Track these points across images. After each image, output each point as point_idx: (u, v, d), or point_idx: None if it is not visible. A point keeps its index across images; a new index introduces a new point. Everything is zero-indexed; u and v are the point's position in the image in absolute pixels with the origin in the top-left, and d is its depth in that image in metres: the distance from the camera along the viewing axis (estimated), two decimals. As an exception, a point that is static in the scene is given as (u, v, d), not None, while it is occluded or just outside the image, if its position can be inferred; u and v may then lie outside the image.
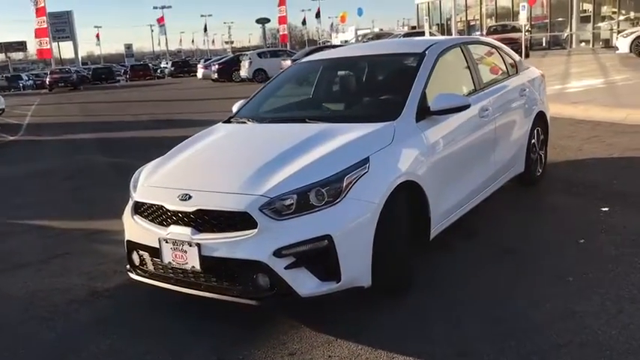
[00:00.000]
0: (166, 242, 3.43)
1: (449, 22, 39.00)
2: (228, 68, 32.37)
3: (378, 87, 4.68)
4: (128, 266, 3.89)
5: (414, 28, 50.18)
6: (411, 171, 3.65)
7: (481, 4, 36.17)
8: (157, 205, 3.54)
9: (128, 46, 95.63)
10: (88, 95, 30.83)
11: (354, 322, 3.37)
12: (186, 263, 3.38)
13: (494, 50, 5.52)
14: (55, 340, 3.54)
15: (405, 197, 3.59)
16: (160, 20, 67.62)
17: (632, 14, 29.03)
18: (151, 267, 3.70)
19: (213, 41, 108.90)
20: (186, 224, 3.39)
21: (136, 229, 3.70)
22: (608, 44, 28.63)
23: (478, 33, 32.38)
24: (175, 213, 3.44)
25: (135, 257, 3.78)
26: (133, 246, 3.75)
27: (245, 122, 4.60)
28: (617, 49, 20.48)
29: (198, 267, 3.33)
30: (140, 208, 3.71)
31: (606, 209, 4.94)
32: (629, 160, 6.57)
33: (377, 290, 3.42)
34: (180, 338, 3.41)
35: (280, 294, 3.22)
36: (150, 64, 58.89)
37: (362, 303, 3.51)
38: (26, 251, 5.24)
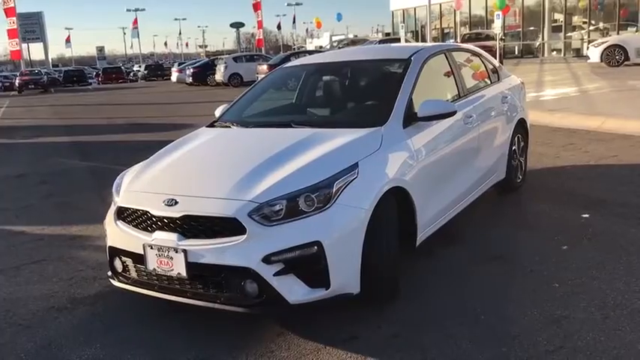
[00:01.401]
0: (151, 248, 3.36)
1: (423, 30, 39.39)
2: (203, 72, 32.18)
3: (364, 93, 4.67)
4: (110, 273, 3.81)
5: (387, 34, 50.55)
6: (399, 177, 3.64)
7: (455, 12, 36.56)
8: (142, 211, 3.47)
9: (100, 49, 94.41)
10: (60, 98, 30.28)
11: (343, 330, 3.34)
12: (172, 270, 3.31)
13: (477, 58, 5.57)
14: (34, 349, 3.43)
15: (393, 203, 3.57)
16: (134, 23, 66.87)
17: (601, 25, 29.68)
18: (134, 274, 3.62)
19: (187, 45, 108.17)
20: (172, 230, 3.33)
21: (118, 234, 3.61)
22: (579, 53, 29.19)
23: (452, 41, 32.76)
24: (161, 219, 3.37)
25: (117, 264, 3.70)
26: (116, 252, 3.66)
27: (229, 127, 4.55)
28: (588, 58, 20.90)
29: (184, 274, 3.27)
30: (123, 214, 3.62)
31: (587, 216, 5.01)
32: (607, 168, 6.68)
33: (365, 297, 3.39)
34: (166, 347, 3.34)
35: (269, 301, 3.17)
36: (122, 67, 58.19)
37: (350, 310, 3.48)
38: (0, 257, 5.09)
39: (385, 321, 3.41)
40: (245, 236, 3.13)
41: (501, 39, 28.67)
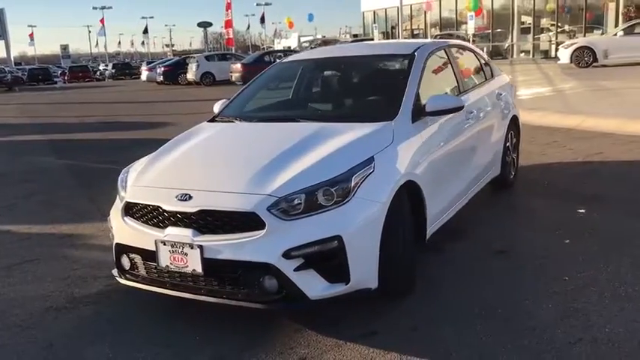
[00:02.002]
0: (164, 244, 3.26)
1: (393, 31, 39.61)
2: (175, 71, 31.76)
3: (369, 87, 4.64)
4: (115, 271, 3.70)
5: (355, 35, 50.66)
6: (411, 171, 3.62)
7: (425, 13, 36.89)
8: (153, 206, 3.37)
9: (64, 47, 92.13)
10: (26, 97, 29.50)
11: (361, 325, 3.30)
12: (186, 266, 3.22)
13: (473, 54, 5.59)
14: (34, 350, 3.30)
15: (406, 197, 3.55)
16: (101, 21, 65.60)
17: (567, 27, 30.30)
18: (143, 271, 3.52)
19: (153, 44, 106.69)
20: (186, 225, 3.24)
21: (126, 231, 3.50)
22: (547, 55, 29.72)
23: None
24: (174, 214, 3.27)
25: (124, 261, 3.58)
26: (123, 249, 3.55)
27: (232, 121, 4.47)
28: (558, 59, 21.30)
29: (199, 270, 3.18)
30: (131, 210, 3.51)
31: (583, 211, 5.07)
32: (595, 165, 6.79)
33: (383, 292, 3.36)
34: (179, 345, 3.25)
35: (288, 297, 3.12)
36: (89, 66, 57.09)
37: (366, 305, 3.44)
38: (-11, 257, 4.91)
39: (403, 315, 3.39)
40: (264, 231, 3.07)
41: (472, 40, 29.03)
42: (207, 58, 30.41)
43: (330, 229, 3.09)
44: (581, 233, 4.52)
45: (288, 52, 29.41)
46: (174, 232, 3.25)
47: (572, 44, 20.87)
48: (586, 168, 6.67)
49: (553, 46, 29.30)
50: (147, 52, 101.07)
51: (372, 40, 33.08)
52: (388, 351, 3.03)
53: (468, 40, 27.03)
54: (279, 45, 56.70)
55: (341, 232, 3.08)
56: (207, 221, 3.19)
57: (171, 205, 3.28)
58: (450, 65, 4.86)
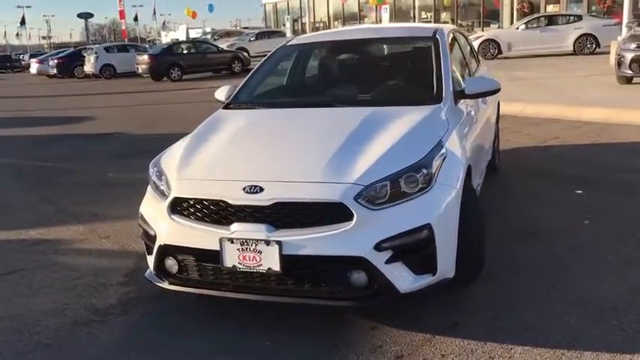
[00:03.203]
0: (231, 242, 2.92)
1: (295, 24, 39.58)
2: (70, 63, 29.76)
3: (400, 71, 4.46)
4: (151, 274, 3.31)
5: (246, 28, 49.76)
6: (467, 154, 3.52)
7: (328, 6, 37.21)
8: (213, 201, 3.00)
9: None
10: None
11: (439, 317, 3.15)
12: (259, 265, 2.90)
13: (465, 39, 5.59)
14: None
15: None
16: (-26, 10, 60.11)
17: (465, 22, 31.76)
18: (195, 274, 3.15)
19: (29, 36, 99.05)
20: (257, 220, 2.92)
21: (176, 230, 3.10)
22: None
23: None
24: (241, 208, 2.94)
25: (170, 264, 3.19)
26: (170, 251, 3.15)
27: (254, 108, 4.14)
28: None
29: (276, 268, 2.88)
30: (181, 206, 3.12)
31: (580, 192, 5.22)
32: (558, 149, 7.05)
33: (456, 281, 3.22)
34: (248, 351, 2.95)
35: (379, 292, 2.90)
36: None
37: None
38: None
39: (476, 304, 3.28)
40: (353, 222, 2.82)
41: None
42: (107, 49, 28.72)
43: (419, 218, 2.90)
44: (594, 213, 4.63)
45: (200, 41, 28.49)
46: (243, 229, 2.92)
47: (478, 37, 21.82)
48: (553, 152, 6.92)
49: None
50: (22, 44, 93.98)
51: (280, 32, 32.86)
52: (485, 342, 2.90)
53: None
54: (166, 38, 54.66)
55: (430, 220, 2.91)
56: (284, 215, 2.89)
57: (238, 199, 2.94)
58: (460, 49, 4.81)
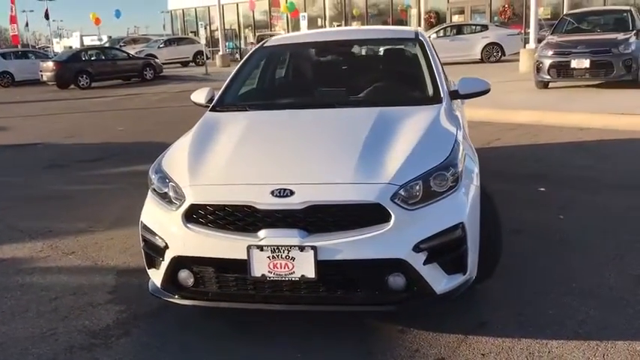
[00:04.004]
0: (260, 250, 2.74)
1: (205, 30, 38.81)
2: (-42, 71, 27.37)
3: (393, 71, 4.42)
4: (157, 289, 3.07)
5: (144, 35, 47.99)
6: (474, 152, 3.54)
7: (238, 13, 36.86)
8: (238, 206, 2.80)
9: None
10: None
11: (466, 317, 3.12)
12: (292, 273, 2.74)
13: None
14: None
15: None
16: None
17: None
18: (213, 286, 2.93)
19: None
20: (288, 225, 2.75)
21: (193, 240, 2.86)
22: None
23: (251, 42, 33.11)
24: (270, 213, 2.76)
25: (185, 276, 2.95)
26: (186, 262, 2.91)
27: (245, 109, 3.94)
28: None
29: (311, 275, 2.73)
30: (198, 213, 2.88)
31: (543, 189, 5.42)
32: (504, 149, 7.32)
33: (475, 279, 3.20)
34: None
35: (417, 294, 2.82)
36: None
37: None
38: None
39: (494, 302, 3.28)
40: (391, 224, 2.73)
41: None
42: (4, 55, 26.77)
43: (452, 217, 2.86)
44: (564, 209, 4.82)
45: (109, 47, 27.18)
46: (274, 235, 2.74)
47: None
48: (501, 152, 7.18)
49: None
50: None
51: (189, 40, 32.17)
52: (519, 337, 2.90)
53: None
54: (58, 45, 51.91)
55: (463, 219, 2.88)
56: (318, 218, 2.75)
57: (267, 203, 2.76)
58: (434, 50, 4.84)
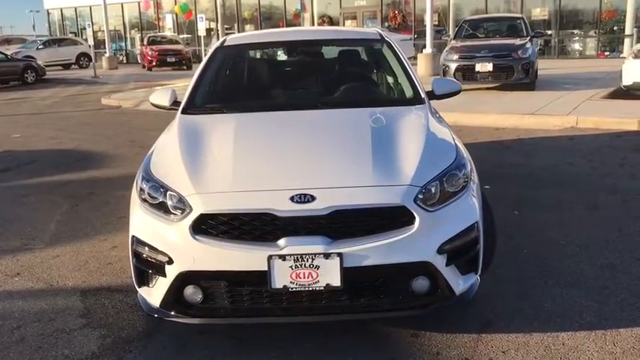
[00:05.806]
0: (282, 260, 2.57)
1: (83, 32, 36.74)
2: None
3: (366, 72, 4.34)
4: (153, 308, 2.82)
5: (9, 36, 44.55)
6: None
7: (123, 15, 35.25)
8: (256, 214, 2.61)
9: None
10: None
11: (469, 316, 3.12)
12: (316, 282, 2.60)
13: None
14: None
15: None
16: None
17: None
18: (225, 301, 2.71)
19: None
20: (310, 232, 2.61)
21: (203, 253, 2.63)
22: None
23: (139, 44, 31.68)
24: (291, 220, 2.60)
25: (191, 293, 2.70)
26: (194, 278, 2.67)
27: (221, 111, 3.70)
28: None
29: (336, 283, 2.60)
30: (208, 223, 2.65)
31: (487, 187, 5.59)
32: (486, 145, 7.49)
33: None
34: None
35: (440, 297, 2.78)
36: None
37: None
38: None
39: (491, 300, 3.32)
40: (415, 226, 2.67)
41: (187, 43, 29.02)
42: None
43: (468, 217, 2.86)
44: (515, 205, 5.01)
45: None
46: (296, 243, 2.58)
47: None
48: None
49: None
50: None
51: (74, 40, 30.30)
52: (530, 332, 2.95)
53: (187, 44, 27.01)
54: None
55: (477, 219, 2.89)
56: (342, 224, 2.62)
57: (287, 210, 2.59)
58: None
